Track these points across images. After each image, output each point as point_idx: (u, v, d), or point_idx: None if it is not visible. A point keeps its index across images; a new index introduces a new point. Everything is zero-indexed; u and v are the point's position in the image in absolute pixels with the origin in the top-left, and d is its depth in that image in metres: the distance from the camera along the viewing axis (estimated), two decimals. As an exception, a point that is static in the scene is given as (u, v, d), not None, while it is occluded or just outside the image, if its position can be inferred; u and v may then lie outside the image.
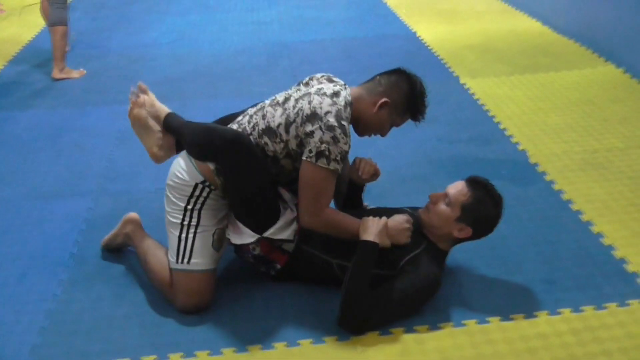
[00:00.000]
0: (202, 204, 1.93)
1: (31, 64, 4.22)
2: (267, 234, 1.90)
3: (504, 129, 3.11)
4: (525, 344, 1.79)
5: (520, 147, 2.92)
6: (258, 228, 1.90)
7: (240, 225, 1.92)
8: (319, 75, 2.06)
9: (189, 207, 1.92)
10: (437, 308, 1.92)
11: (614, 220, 2.34)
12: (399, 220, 1.91)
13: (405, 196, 2.48)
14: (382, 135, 2.04)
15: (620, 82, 3.64)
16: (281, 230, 1.91)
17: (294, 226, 1.94)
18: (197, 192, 1.92)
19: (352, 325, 1.82)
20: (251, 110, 2.02)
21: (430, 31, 4.69)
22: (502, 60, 4.04)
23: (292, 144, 1.87)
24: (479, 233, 1.92)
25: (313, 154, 1.81)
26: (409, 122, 3.10)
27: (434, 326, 1.86)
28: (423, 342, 1.81)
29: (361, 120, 1.95)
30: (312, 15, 5.25)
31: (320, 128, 1.80)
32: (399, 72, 1.99)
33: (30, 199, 2.61)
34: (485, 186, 1.90)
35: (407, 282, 1.82)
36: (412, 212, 2.01)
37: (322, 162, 1.82)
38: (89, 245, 2.28)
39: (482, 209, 1.87)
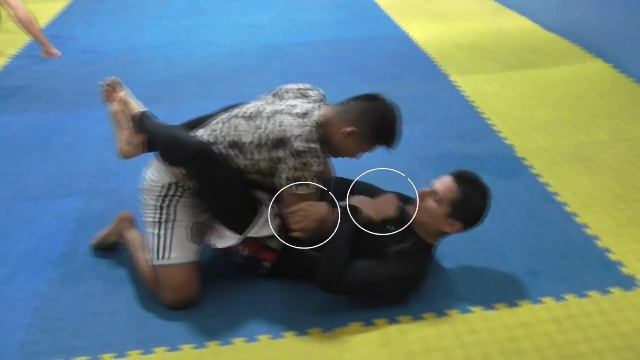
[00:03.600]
0: (177, 200, 1.95)
1: (26, 69, 4.25)
2: (247, 233, 1.91)
3: (492, 125, 3.12)
4: (507, 332, 1.80)
5: (508, 142, 2.94)
6: (238, 228, 1.91)
7: (222, 228, 1.94)
8: (294, 87, 2.03)
9: (164, 204, 1.94)
10: (421, 298, 1.94)
11: (598, 212, 2.36)
12: (385, 196, 1.97)
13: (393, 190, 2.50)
14: (353, 157, 2.03)
15: (608, 77, 3.67)
16: (262, 228, 1.92)
17: (275, 222, 1.95)
18: (170, 192, 1.94)
19: (326, 280, 1.81)
20: (223, 116, 2.00)
21: (421, 31, 4.72)
22: (492, 58, 4.07)
23: (264, 165, 1.87)
24: (468, 226, 1.93)
25: (289, 182, 1.82)
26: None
27: (417, 316, 1.87)
28: (406, 332, 1.82)
29: (330, 144, 1.91)
30: (304, 18, 5.28)
31: (291, 154, 1.80)
32: (371, 100, 1.93)
33: (21, 199, 2.63)
34: (472, 181, 1.92)
35: (390, 265, 1.83)
36: (400, 196, 2.05)
37: (302, 189, 1.84)
38: (79, 244, 2.30)
39: (472, 204, 1.88)
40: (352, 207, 1.91)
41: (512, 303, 1.91)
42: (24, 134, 3.26)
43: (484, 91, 3.55)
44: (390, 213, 1.96)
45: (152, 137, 2.03)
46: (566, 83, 3.61)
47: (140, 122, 2.10)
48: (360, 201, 1.95)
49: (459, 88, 3.61)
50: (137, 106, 2.15)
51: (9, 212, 2.54)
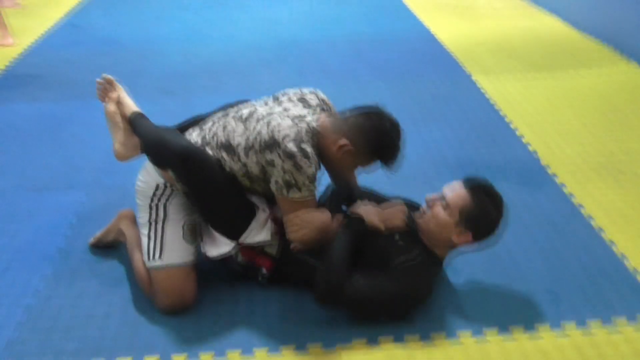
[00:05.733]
0: (167, 199, 1.87)
1: (43, 57, 4.20)
2: (241, 239, 1.81)
3: (515, 129, 2.97)
4: (524, 359, 1.67)
5: (531, 148, 2.79)
6: (232, 234, 1.81)
7: (216, 235, 1.84)
8: (291, 91, 1.91)
9: (153, 204, 1.87)
10: (430, 316, 1.81)
11: (628, 229, 2.20)
12: (392, 203, 1.85)
13: (404, 197, 2.37)
14: (348, 176, 1.92)
15: (643, 82, 3.48)
16: (256, 233, 1.82)
17: (270, 226, 1.85)
18: (159, 192, 1.87)
19: (323, 293, 1.71)
20: (217, 116, 1.92)
21: (445, 28, 4.56)
22: (517, 58, 3.90)
23: (253, 169, 1.77)
24: (479, 237, 1.79)
25: (281, 186, 1.71)
26: (413, 118, 3.07)
27: (425, 336, 1.75)
28: (413, 356, 1.70)
29: (325, 157, 1.78)
30: (324, 12, 5.16)
31: (279, 156, 1.68)
32: (370, 113, 1.77)
33: (24, 190, 2.57)
34: (484, 187, 1.78)
35: (393, 279, 1.72)
36: (408, 204, 1.92)
37: (294, 193, 1.72)
38: (78, 240, 2.22)
39: (483, 212, 1.75)
40: (354, 215, 1.79)
41: (530, 327, 1.77)
42: (33, 123, 3.20)
43: (508, 93, 3.39)
44: (398, 223, 1.84)
45: (140, 139, 1.95)
46: (597, 87, 3.42)
47: (131, 123, 2.02)
48: (364, 208, 1.83)
49: (482, 89, 3.45)
50: (131, 107, 2.06)
51: (10, 202, 2.48)
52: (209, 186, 1.78)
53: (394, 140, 1.76)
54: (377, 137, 1.74)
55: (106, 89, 2.11)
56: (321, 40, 4.40)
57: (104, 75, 2.12)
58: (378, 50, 4.15)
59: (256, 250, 1.85)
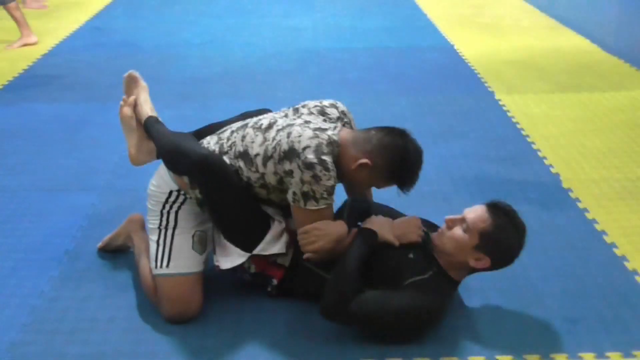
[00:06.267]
0: (179, 207, 1.83)
1: (64, 58, 4.24)
2: (256, 250, 1.77)
3: (537, 150, 2.90)
4: (537, 388, 1.60)
5: (554, 170, 2.71)
6: (246, 246, 1.77)
7: (228, 245, 1.80)
8: (311, 103, 1.87)
9: (164, 210, 1.83)
10: (441, 338, 1.74)
11: (652, 257, 2.11)
12: (408, 218, 1.81)
13: (421, 216, 2.29)
14: (359, 192, 1.89)
15: (671, 107, 3.38)
16: (271, 245, 1.78)
17: (284, 238, 1.81)
18: (171, 199, 1.84)
19: (329, 307, 1.67)
20: (235, 125, 1.88)
21: (469, 45, 4.50)
22: (543, 78, 3.83)
23: (271, 179, 1.73)
24: (497, 264, 1.73)
25: (298, 197, 1.68)
26: (432, 134, 3.02)
27: (435, 359, 1.68)
28: (421, 376, 1.64)
29: (341, 171, 1.73)
30: (348, 23, 5.14)
31: (299, 166, 1.64)
32: (396, 135, 1.74)
33: (37, 190, 2.56)
34: (507, 213, 1.71)
35: (403, 297, 1.66)
36: (425, 223, 1.87)
37: (312, 205, 1.68)
38: (87, 242, 2.20)
39: (503, 238, 1.68)
40: (367, 229, 1.74)
41: (545, 355, 1.69)
42: (51, 123, 3.21)
43: (532, 112, 3.32)
44: (412, 238, 1.78)
45: (156, 145, 1.92)
46: (623, 109, 3.34)
47: (146, 128, 1.98)
48: (377, 222, 1.78)
49: (504, 107, 3.39)
50: (147, 111, 2.02)
51: (22, 202, 2.47)
52: (227, 196, 1.75)
53: (415, 169, 1.74)
54: (399, 163, 1.72)
55: (129, 86, 2.06)
56: (342, 51, 4.38)
57: (131, 71, 2.07)
58: (400, 63, 4.11)
59: (268, 260, 1.81)
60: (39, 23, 4.99)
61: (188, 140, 1.84)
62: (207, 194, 1.76)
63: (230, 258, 1.79)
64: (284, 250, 1.79)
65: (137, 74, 2.08)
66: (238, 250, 1.79)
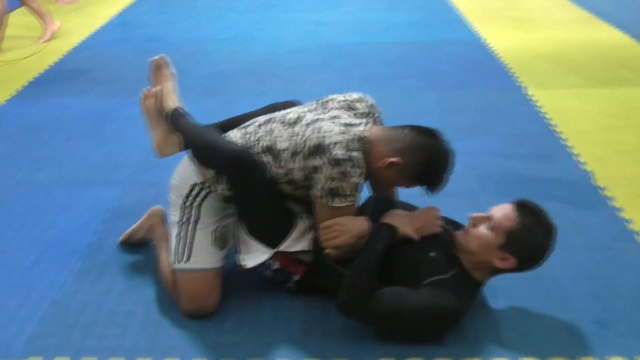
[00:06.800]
0: (201, 201, 1.80)
1: (92, 53, 4.28)
2: (282, 247, 1.74)
3: (569, 146, 2.80)
4: (563, 393, 1.53)
5: (586, 167, 2.61)
6: (271, 242, 1.75)
7: (251, 242, 1.77)
8: (339, 97, 1.82)
9: (187, 204, 1.81)
10: (463, 338, 1.69)
11: (688, 259, 2.01)
12: (426, 209, 1.77)
13: (446, 213, 2.24)
14: (383, 190, 1.85)
15: None
16: (296, 242, 1.75)
17: (310, 235, 1.78)
18: (194, 192, 1.81)
19: (346, 303, 1.63)
20: (261, 119, 1.84)
21: (500, 38, 4.39)
22: (576, 72, 3.70)
23: (297, 175, 1.69)
24: (523, 265, 1.66)
25: (324, 193, 1.64)
26: (459, 129, 2.94)
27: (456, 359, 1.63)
28: (442, 378, 1.59)
29: (368, 168, 1.68)
30: (375, 17, 5.07)
31: (327, 162, 1.60)
32: (428, 135, 1.69)
33: (61, 184, 2.58)
34: (535, 212, 1.64)
35: (420, 296, 1.61)
36: (447, 223, 1.81)
37: (337, 202, 1.65)
38: (108, 236, 2.21)
39: (530, 238, 1.61)
40: (387, 224, 1.70)
41: (571, 358, 1.63)
42: (77, 117, 3.24)
43: (564, 108, 3.21)
44: (433, 230, 1.73)
45: (184, 138, 1.88)
46: (660, 105, 3.21)
47: (172, 121, 1.94)
48: (397, 217, 1.73)
49: (535, 102, 3.29)
50: (171, 102, 1.99)
51: (46, 196, 2.49)
52: (256, 192, 1.73)
53: (444, 171, 1.70)
54: (428, 164, 1.67)
55: (155, 73, 2.02)
56: (369, 45, 4.32)
57: (157, 57, 2.02)
58: (428, 58, 4.03)
59: (292, 257, 1.78)
60: (68, 18, 5.07)
61: (218, 135, 1.81)
62: (236, 190, 1.74)
63: (254, 255, 1.77)
64: (309, 248, 1.76)
65: (164, 60, 2.02)
66: (262, 247, 1.76)
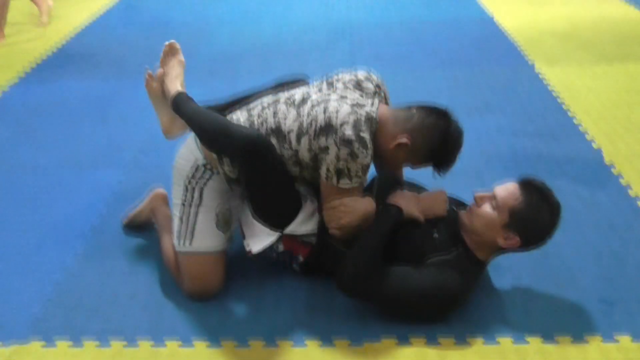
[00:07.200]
0: (205, 183, 1.78)
1: (97, 36, 4.26)
2: (288, 230, 1.72)
3: (578, 124, 2.74)
4: (568, 372, 1.51)
5: (595, 145, 2.56)
6: (278, 224, 1.72)
7: (256, 225, 1.75)
8: (346, 76, 1.78)
9: (190, 185, 1.78)
10: (468, 317, 1.67)
11: (699, 237, 1.97)
12: (434, 191, 1.75)
13: (452, 191, 2.20)
14: (396, 171, 1.82)
15: None
16: (303, 225, 1.73)
17: (316, 218, 1.75)
18: (198, 174, 1.78)
19: (347, 280, 1.62)
20: (266, 100, 1.79)
21: (510, 15, 4.31)
22: (587, 48, 3.62)
23: (304, 156, 1.66)
24: (528, 244, 1.63)
25: (332, 174, 1.61)
26: (467, 108, 2.90)
27: (460, 339, 1.62)
28: (445, 357, 1.57)
29: (376, 148, 1.66)
30: (382, -5, 4.98)
31: (336, 143, 1.57)
32: (439, 115, 1.66)
33: (65, 167, 2.58)
34: (541, 190, 1.61)
35: (421, 275, 1.59)
36: (453, 201, 1.79)
37: (344, 183, 1.62)
38: (112, 218, 2.20)
39: (535, 216, 1.58)
40: (392, 205, 1.67)
41: (578, 337, 1.60)
42: (81, 100, 3.23)
43: (574, 85, 3.14)
44: (439, 212, 1.71)
45: (191, 125, 1.79)
46: (673, 81, 3.13)
47: (176, 105, 1.85)
48: (403, 197, 1.71)
49: (545, 79, 3.22)
50: (177, 86, 1.91)
51: (51, 179, 2.49)
52: (267, 177, 1.69)
53: (455, 151, 1.67)
54: (440, 144, 1.65)
55: (167, 56, 1.96)
56: (376, 24, 4.25)
57: (173, 41, 1.97)
58: (436, 36, 3.96)
59: (297, 239, 1.76)
60: (73, 2, 5.04)
61: (227, 120, 1.75)
62: (247, 173, 1.69)
63: (259, 238, 1.74)
64: (315, 230, 1.74)
65: (178, 45, 1.99)
66: (267, 229, 1.74)
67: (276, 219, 1.74)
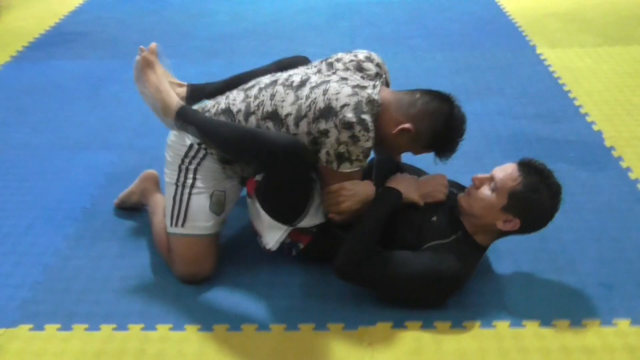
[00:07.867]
0: (198, 163, 1.73)
1: (92, 15, 4.18)
2: (296, 223, 1.67)
3: (579, 106, 2.69)
4: (565, 357, 1.48)
5: (596, 128, 2.52)
6: (289, 220, 1.67)
7: (265, 222, 1.68)
8: (346, 57, 1.72)
9: (183, 165, 1.73)
10: (464, 302, 1.64)
11: (701, 221, 1.93)
12: (433, 176, 1.71)
13: (452, 175, 2.17)
14: (395, 156, 1.79)
15: None
16: (312, 217, 1.68)
17: (322, 209, 1.71)
18: (191, 153, 1.73)
19: (344, 266, 1.58)
20: (263, 81, 1.73)
21: (512, -4, 4.23)
22: (590, 30, 3.56)
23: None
24: (527, 227, 1.60)
25: (332, 158, 1.56)
26: (467, 90, 2.85)
27: (457, 323, 1.59)
28: (441, 341, 1.55)
29: (377, 133, 1.60)
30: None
31: (336, 126, 1.52)
32: (442, 101, 1.62)
33: (57, 148, 2.54)
34: (540, 171, 1.57)
35: (418, 260, 1.56)
36: (452, 184, 1.76)
37: (345, 167, 1.58)
38: (103, 201, 2.17)
39: (535, 199, 1.54)
40: (391, 188, 1.63)
41: (576, 321, 1.58)
42: (75, 80, 3.17)
43: (575, 67, 3.09)
44: (438, 197, 1.68)
45: (209, 138, 1.68)
46: (677, 64, 3.08)
47: (182, 121, 1.73)
48: (402, 181, 1.67)
49: (546, 61, 3.16)
50: (173, 100, 1.78)
51: (42, 160, 2.45)
52: (295, 179, 1.62)
53: (458, 138, 1.64)
54: (445, 127, 1.61)
55: (145, 60, 1.85)
56: (376, 4, 4.17)
57: (152, 44, 1.85)
58: (437, 17, 3.89)
59: (300, 229, 1.71)
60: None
61: (254, 128, 1.65)
62: (275, 177, 1.62)
63: (273, 234, 1.69)
64: (323, 221, 1.70)
65: (156, 52, 1.84)
66: (275, 223, 1.69)
67: (287, 214, 1.68)
